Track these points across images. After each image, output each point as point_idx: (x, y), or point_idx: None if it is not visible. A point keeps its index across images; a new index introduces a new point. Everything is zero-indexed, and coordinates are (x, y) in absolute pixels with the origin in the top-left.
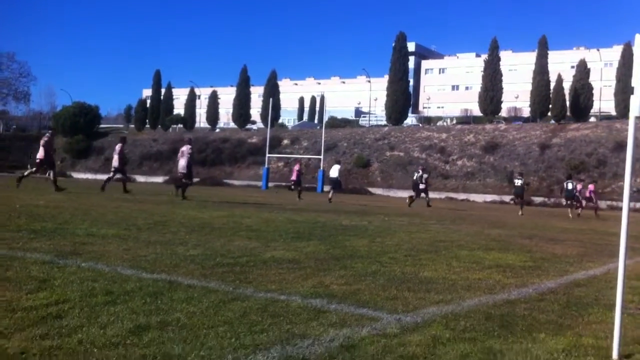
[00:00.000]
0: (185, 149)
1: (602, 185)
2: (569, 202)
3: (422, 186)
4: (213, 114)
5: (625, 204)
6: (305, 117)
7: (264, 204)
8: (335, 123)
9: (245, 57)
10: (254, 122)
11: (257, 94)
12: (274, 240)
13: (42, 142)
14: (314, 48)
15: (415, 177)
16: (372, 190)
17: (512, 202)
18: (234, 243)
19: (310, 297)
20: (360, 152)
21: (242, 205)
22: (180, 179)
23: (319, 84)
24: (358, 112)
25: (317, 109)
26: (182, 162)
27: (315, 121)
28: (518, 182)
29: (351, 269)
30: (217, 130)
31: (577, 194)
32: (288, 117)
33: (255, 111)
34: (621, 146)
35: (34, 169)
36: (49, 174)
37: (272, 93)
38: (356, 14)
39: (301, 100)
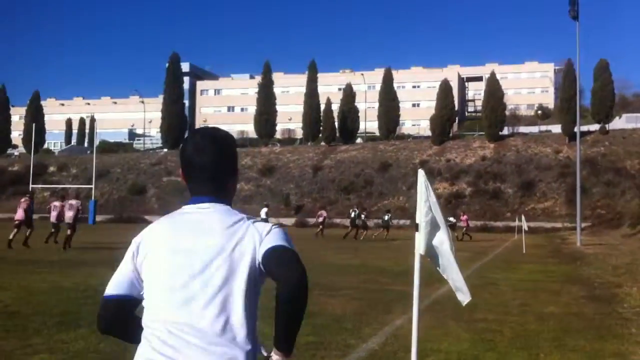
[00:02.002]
0: (75, 202)
1: (369, 204)
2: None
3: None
4: None
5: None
6: (74, 141)
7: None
8: (108, 147)
9: (3, 76)
10: (15, 147)
11: (18, 115)
12: (36, 332)
13: (23, 205)
14: (81, 66)
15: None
16: (149, 218)
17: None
18: None
19: None
20: (135, 178)
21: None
22: (67, 229)
23: (89, 104)
24: (132, 135)
25: (87, 131)
26: (69, 214)
27: (86, 145)
28: (352, 213)
29: None
30: None
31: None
32: (54, 140)
33: (16, 135)
34: (385, 166)
35: (15, 230)
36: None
37: (35, 115)
38: (126, 31)
39: (69, 122)
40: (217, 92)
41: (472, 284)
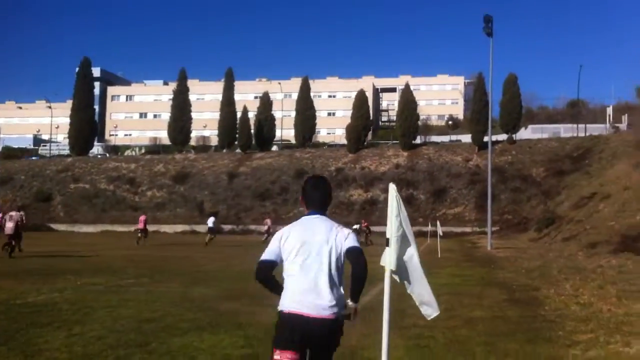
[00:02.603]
0: (15, 214)
1: (285, 211)
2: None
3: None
4: None
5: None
6: None
7: None
8: (12, 153)
9: None
10: None
11: None
12: None
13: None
14: None
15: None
16: (55, 226)
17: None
18: None
19: None
20: (41, 185)
21: None
22: (10, 239)
23: None
24: (37, 141)
25: None
26: (9, 225)
27: None
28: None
29: None
30: None
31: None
32: None
33: None
34: (301, 174)
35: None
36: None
37: None
38: (33, 33)
39: None
40: (129, 98)
41: (396, 291)
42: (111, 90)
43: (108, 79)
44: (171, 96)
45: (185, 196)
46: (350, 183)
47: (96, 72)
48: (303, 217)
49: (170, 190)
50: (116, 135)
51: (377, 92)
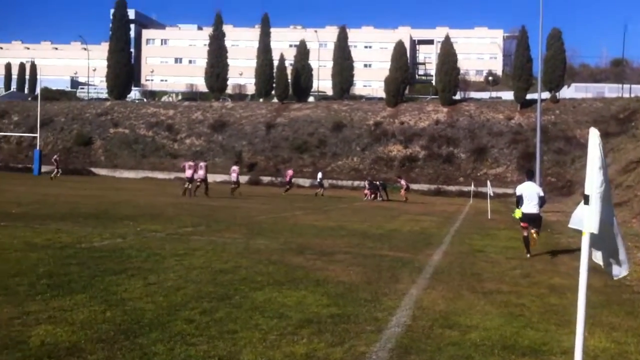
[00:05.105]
0: (203, 164)
1: (323, 164)
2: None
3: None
4: None
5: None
6: (14, 87)
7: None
8: (50, 95)
9: None
10: None
11: None
12: (28, 297)
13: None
14: (20, 7)
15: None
16: (96, 170)
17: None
18: None
19: None
20: (81, 128)
21: None
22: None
23: (28, 48)
24: (75, 83)
25: (28, 77)
26: (201, 172)
27: (26, 91)
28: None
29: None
30: None
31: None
32: None
33: None
34: (339, 126)
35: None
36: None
37: None
38: None
39: (8, 67)
40: (164, 42)
41: (459, 251)
42: (146, 33)
43: (142, 22)
44: (206, 41)
45: (224, 145)
46: (390, 138)
47: (131, 14)
48: (526, 182)
49: (209, 138)
50: (152, 80)
51: (413, 44)
